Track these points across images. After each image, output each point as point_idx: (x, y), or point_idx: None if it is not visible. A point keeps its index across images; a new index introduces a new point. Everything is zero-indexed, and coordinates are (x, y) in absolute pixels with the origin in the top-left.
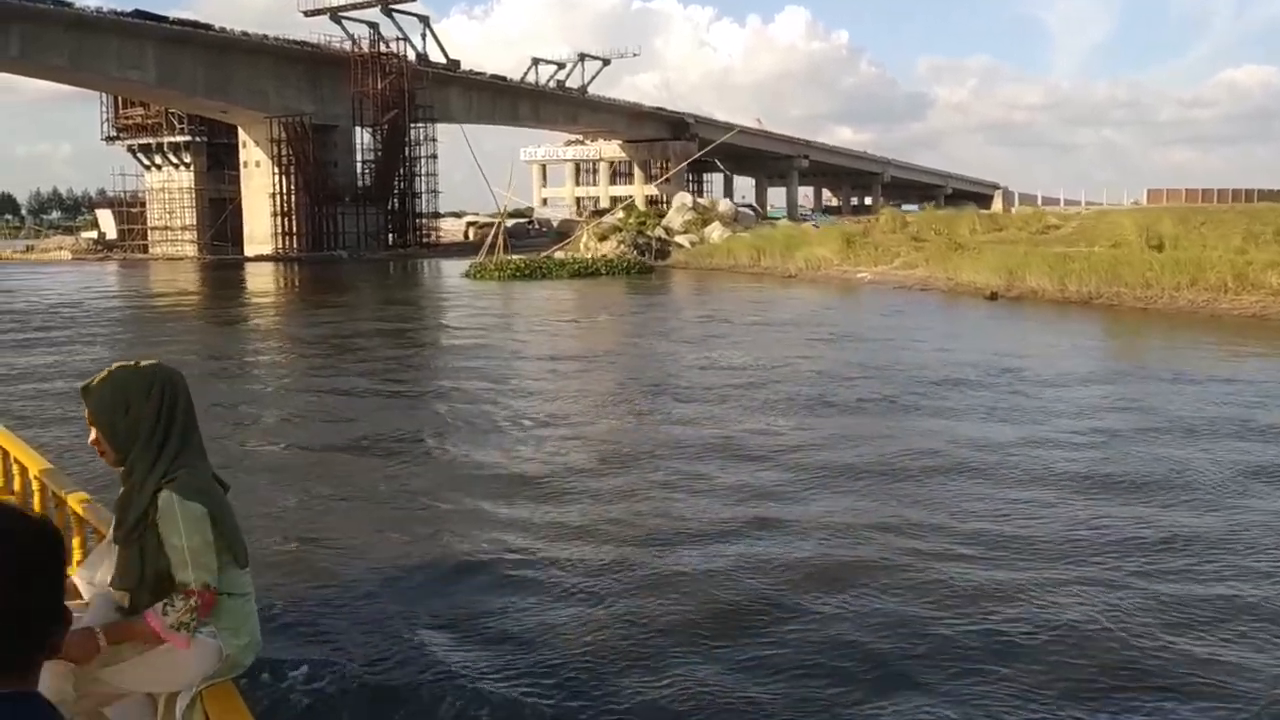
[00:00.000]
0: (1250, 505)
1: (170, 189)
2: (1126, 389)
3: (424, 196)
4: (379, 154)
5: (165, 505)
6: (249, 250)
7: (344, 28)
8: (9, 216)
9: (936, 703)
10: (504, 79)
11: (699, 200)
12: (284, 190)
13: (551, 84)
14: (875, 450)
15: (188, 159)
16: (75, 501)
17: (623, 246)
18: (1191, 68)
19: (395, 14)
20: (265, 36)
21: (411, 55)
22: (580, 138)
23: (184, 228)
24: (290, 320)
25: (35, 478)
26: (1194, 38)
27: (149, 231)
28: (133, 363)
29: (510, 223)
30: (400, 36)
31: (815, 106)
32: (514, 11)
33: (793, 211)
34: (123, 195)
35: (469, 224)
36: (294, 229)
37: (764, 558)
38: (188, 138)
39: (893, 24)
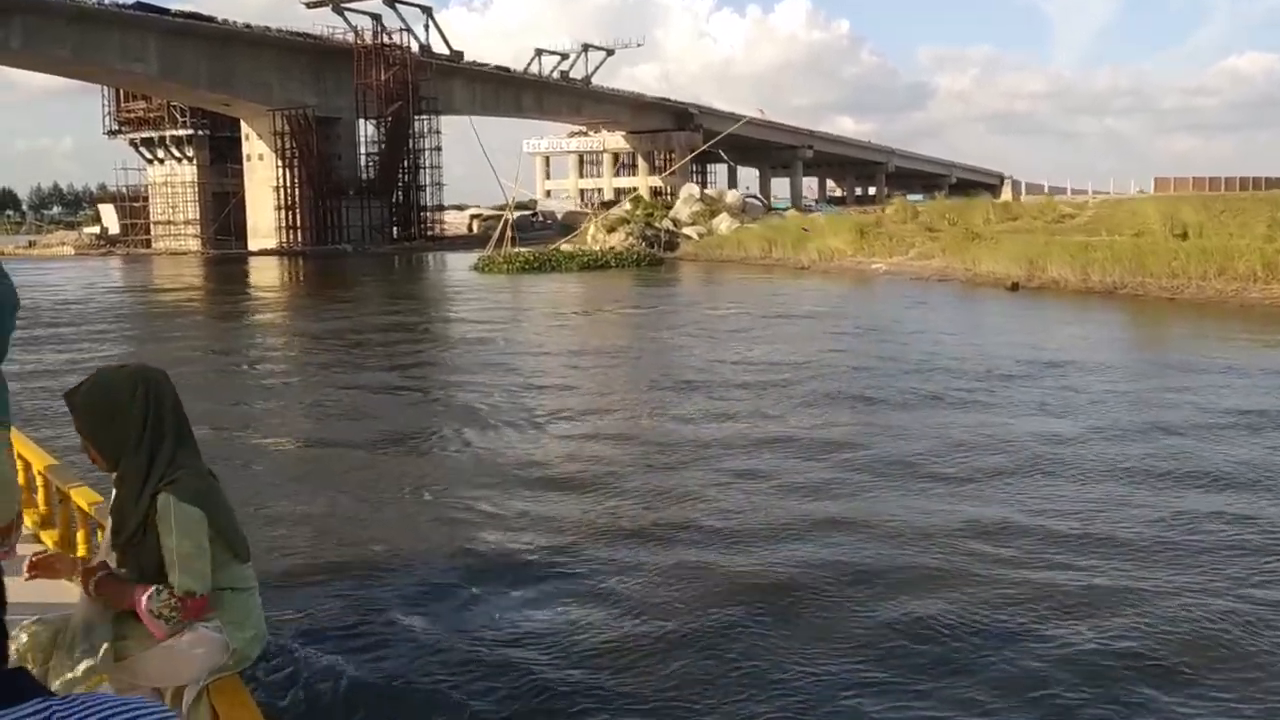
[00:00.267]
0: None
1: (173, 183)
2: (1177, 381)
3: (428, 189)
4: (383, 146)
5: (163, 507)
6: (253, 244)
7: (346, 19)
8: (10, 212)
9: None
10: (507, 70)
11: (706, 191)
12: (288, 183)
13: (555, 75)
14: (931, 446)
15: (190, 152)
16: (79, 496)
17: (631, 238)
18: (1193, 55)
19: (398, 5)
20: (268, 28)
21: (415, 46)
22: (584, 129)
23: (187, 222)
24: (301, 315)
25: (39, 473)
26: (1195, 25)
27: (152, 226)
28: (115, 367)
29: (514, 215)
30: (403, 28)
31: (816, 97)
32: (513, 3)
33: (797, 202)
34: (125, 190)
35: (473, 216)
36: (298, 222)
37: (835, 562)
38: (190, 131)
39: (894, 13)
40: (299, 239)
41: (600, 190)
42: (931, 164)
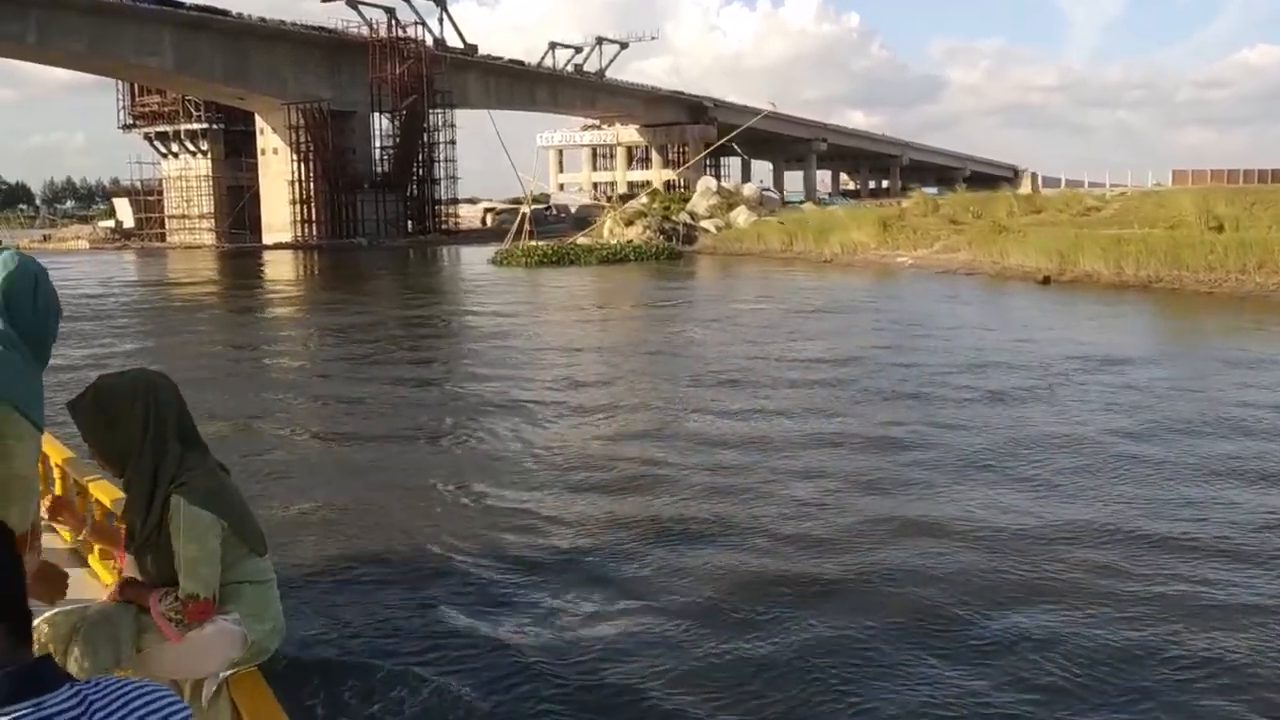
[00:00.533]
0: None
1: (187, 177)
2: (1241, 377)
3: (443, 183)
4: (397, 140)
5: (174, 510)
6: (267, 238)
7: (361, 13)
8: (23, 206)
9: None
10: (522, 63)
11: (723, 184)
12: (302, 177)
13: (569, 68)
14: (999, 445)
15: (205, 146)
16: (98, 490)
17: (648, 232)
18: (1205, 47)
19: None
20: (283, 22)
21: (429, 40)
22: (597, 122)
23: (201, 216)
24: (322, 310)
25: (57, 465)
26: (1207, 17)
27: (166, 220)
28: (115, 374)
29: (528, 209)
30: (417, 21)
31: (827, 90)
32: None
33: (811, 195)
34: (140, 184)
35: (486, 210)
36: (313, 216)
37: (921, 571)
38: (204, 125)
39: (905, 6)
40: (314, 233)
41: (614, 184)
42: (945, 157)
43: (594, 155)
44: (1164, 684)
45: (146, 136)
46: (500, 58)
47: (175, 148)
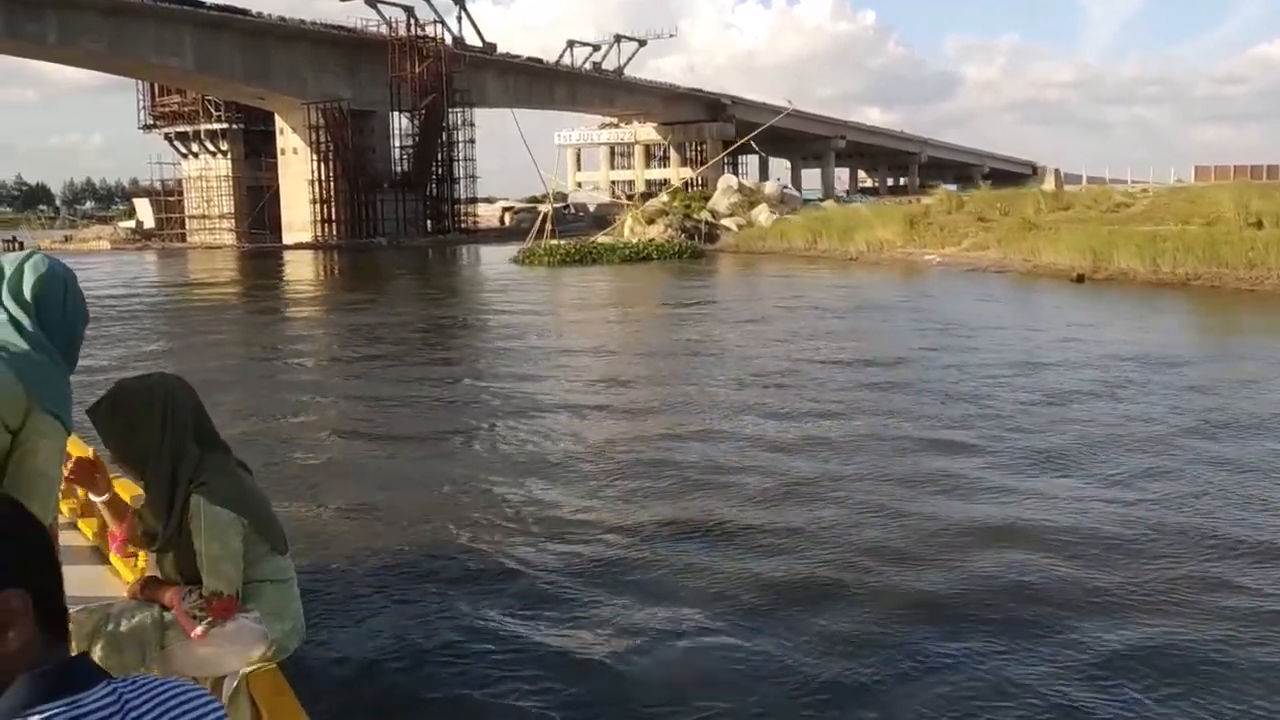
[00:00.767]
0: None
1: (208, 177)
2: None
3: (462, 182)
4: (417, 139)
5: (195, 510)
6: (287, 238)
7: (380, 12)
8: (43, 207)
9: None
10: (540, 61)
11: (744, 182)
12: (322, 177)
13: (587, 66)
14: (1076, 450)
15: (225, 146)
16: (119, 486)
17: (670, 230)
18: (1222, 43)
19: None
20: (303, 21)
21: (448, 39)
22: (615, 120)
23: (222, 216)
24: (346, 310)
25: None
26: (1225, 12)
27: (187, 220)
28: (133, 379)
29: (546, 208)
30: (436, 20)
31: (843, 87)
32: None
33: (829, 192)
34: (160, 184)
35: (504, 209)
36: (333, 216)
37: (1018, 580)
38: (224, 125)
39: (920, 3)
40: (334, 233)
41: (632, 182)
42: (964, 154)
43: (612, 154)
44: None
45: (167, 137)
46: (519, 56)
47: (195, 148)
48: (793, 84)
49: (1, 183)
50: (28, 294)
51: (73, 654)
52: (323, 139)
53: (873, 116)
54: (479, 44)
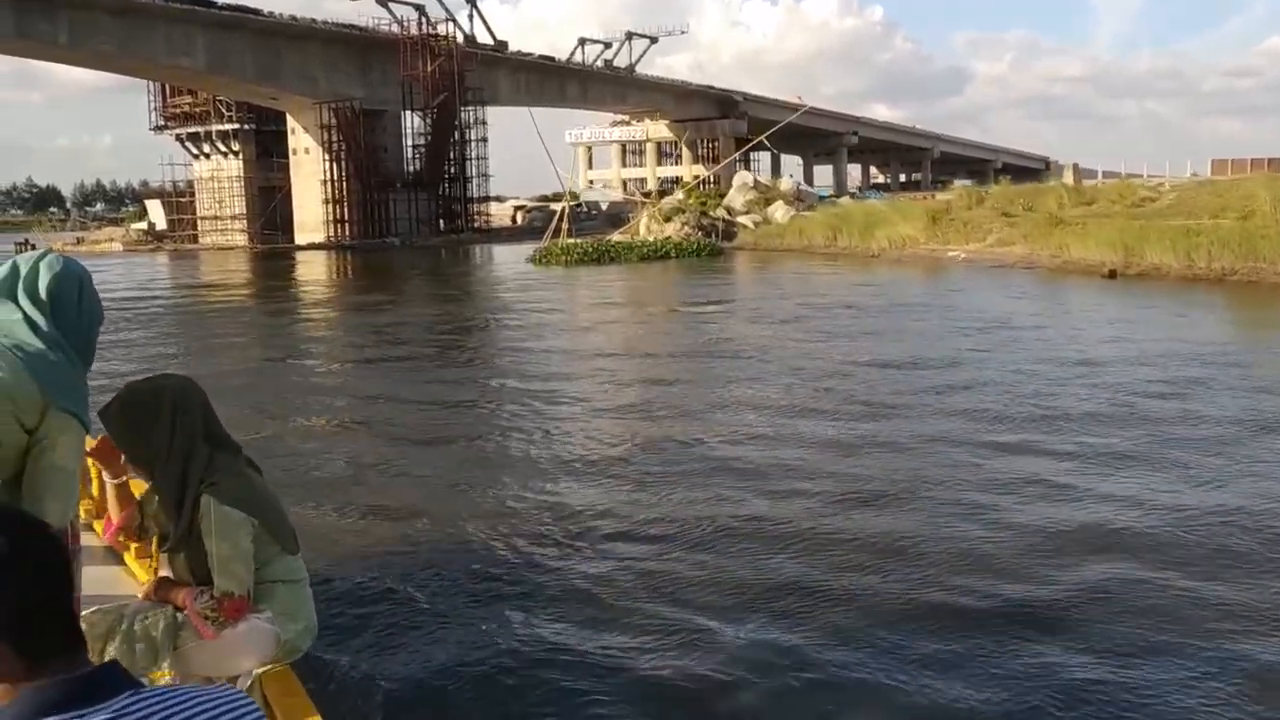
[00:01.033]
0: None
1: (219, 178)
2: None
3: (474, 181)
4: (429, 138)
5: (205, 510)
6: (300, 238)
7: (390, 10)
8: (53, 209)
9: None
10: (552, 59)
11: (759, 179)
12: (334, 177)
13: (599, 64)
14: (1164, 456)
15: (236, 147)
16: (134, 486)
17: (687, 228)
18: (1233, 36)
19: None
20: (314, 21)
21: (459, 37)
22: (626, 118)
23: (234, 217)
24: (364, 311)
25: (93, 463)
26: (1235, 5)
27: (198, 221)
28: (142, 380)
29: (558, 206)
30: (447, 18)
31: (850, 84)
32: None
33: (842, 189)
34: (172, 185)
35: (516, 208)
36: (345, 216)
37: (1132, 595)
38: (236, 126)
39: None
40: (346, 233)
41: (644, 180)
42: (977, 149)
43: (623, 151)
44: None
45: (178, 138)
46: (531, 54)
47: (207, 148)
48: (800, 81)
49: (12, 185)
50: (43, 293)
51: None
52: (335, 139)
53: (880, 113)
54: (490, 42)
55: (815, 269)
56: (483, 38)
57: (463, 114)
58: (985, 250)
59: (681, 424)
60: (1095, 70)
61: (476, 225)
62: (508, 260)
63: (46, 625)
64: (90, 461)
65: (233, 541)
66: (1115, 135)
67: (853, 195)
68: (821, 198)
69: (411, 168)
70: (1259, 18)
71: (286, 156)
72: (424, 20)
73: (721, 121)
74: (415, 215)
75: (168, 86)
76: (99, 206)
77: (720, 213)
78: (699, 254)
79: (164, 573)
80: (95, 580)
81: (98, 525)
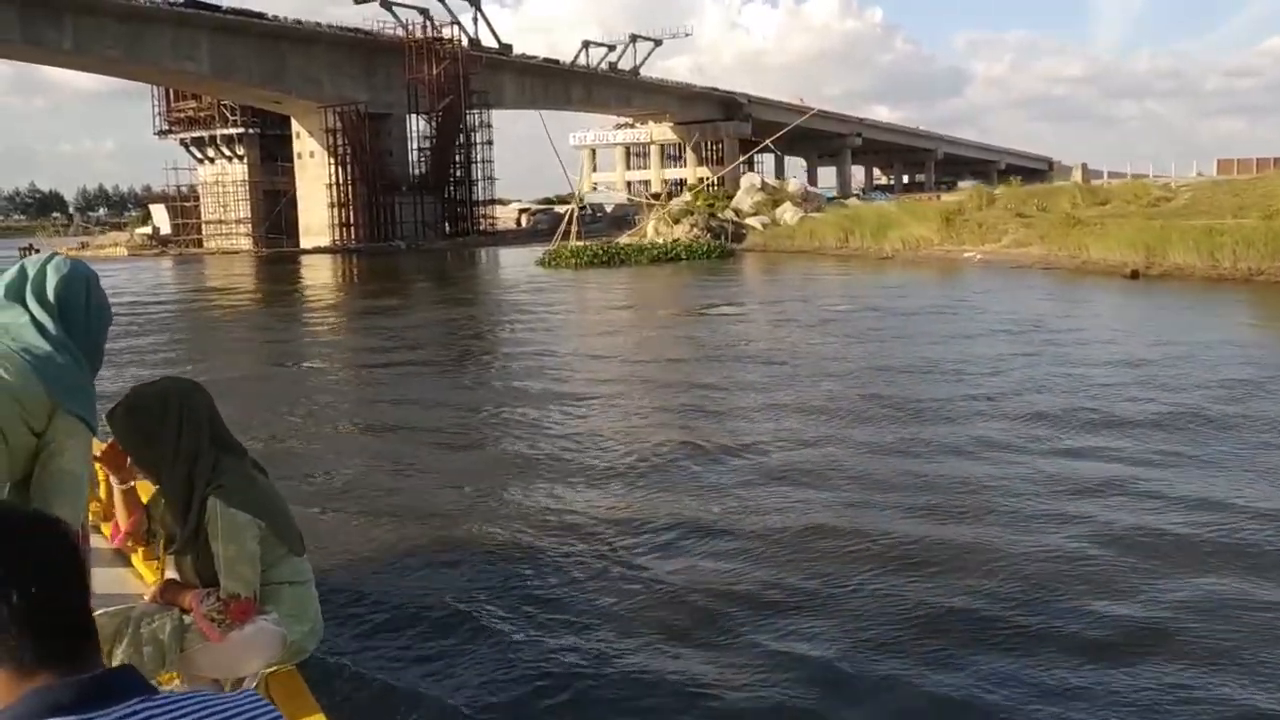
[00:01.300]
0: None
1: (224, 182)
2: None
3: (480, 183)
4: (434, 141)
5: (211, 512)
6: (305, 242)
7: (395, 14)
8: (56, 214)
9: None
10: (556, 62)
11: (767, 181)
12: (340, 180)
13: (603, 66)
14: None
15: (241, 151)
16: (142, 489)
17: (696, 230)
18: (1234, 35)
19: None
20: (319, 24)
21: (464, 40)
22: (630, 121)
23: (238, 221)
24: (375, 315)
25: (100, 466)
26: (1236, 5)
27: (203, 225)
28: (148, 384)
29: (563, 209)
30: (452, 21)
31: (851, 85)
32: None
33: (845, 190)
34: (176, 189)
35: (521, 211)
36: (351, 220)
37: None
38: (240, 130)
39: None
40: (352, 236)
41: (648, 182)
42: (980, 150)
43: (627, 154)
44: None
45: (182, 142)
46: (535, 57)
47: (211, 153)
48: (801, 82)
49: (15, 190)
50: (50, 296)
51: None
52: (340, 142)
53: (881, 114)
54: (495, 45)
55: (830, 271)
56: (487, 41)
57: (468, 117)
58: (1001, 251)
59: (724, 428)
60: (1096, 71)
61: (482, 228)
62: (516, 263)
63: (50, 625)
64: (97, 465)
65: (239, 543)
66: (1116, 135)
67: (857, 197)
68: (829, 199)
69: (417, 171)
70: (1259, 17)
71: (291, 160)
72: (428, 23)
73: (726, 123)
74: (421, 218)
75: (171, 91)
76: (101, 211)
77: (728, 214)
78: (709, 256)
79: (170, 575)
80: (102, 582)
81: (105, 528)
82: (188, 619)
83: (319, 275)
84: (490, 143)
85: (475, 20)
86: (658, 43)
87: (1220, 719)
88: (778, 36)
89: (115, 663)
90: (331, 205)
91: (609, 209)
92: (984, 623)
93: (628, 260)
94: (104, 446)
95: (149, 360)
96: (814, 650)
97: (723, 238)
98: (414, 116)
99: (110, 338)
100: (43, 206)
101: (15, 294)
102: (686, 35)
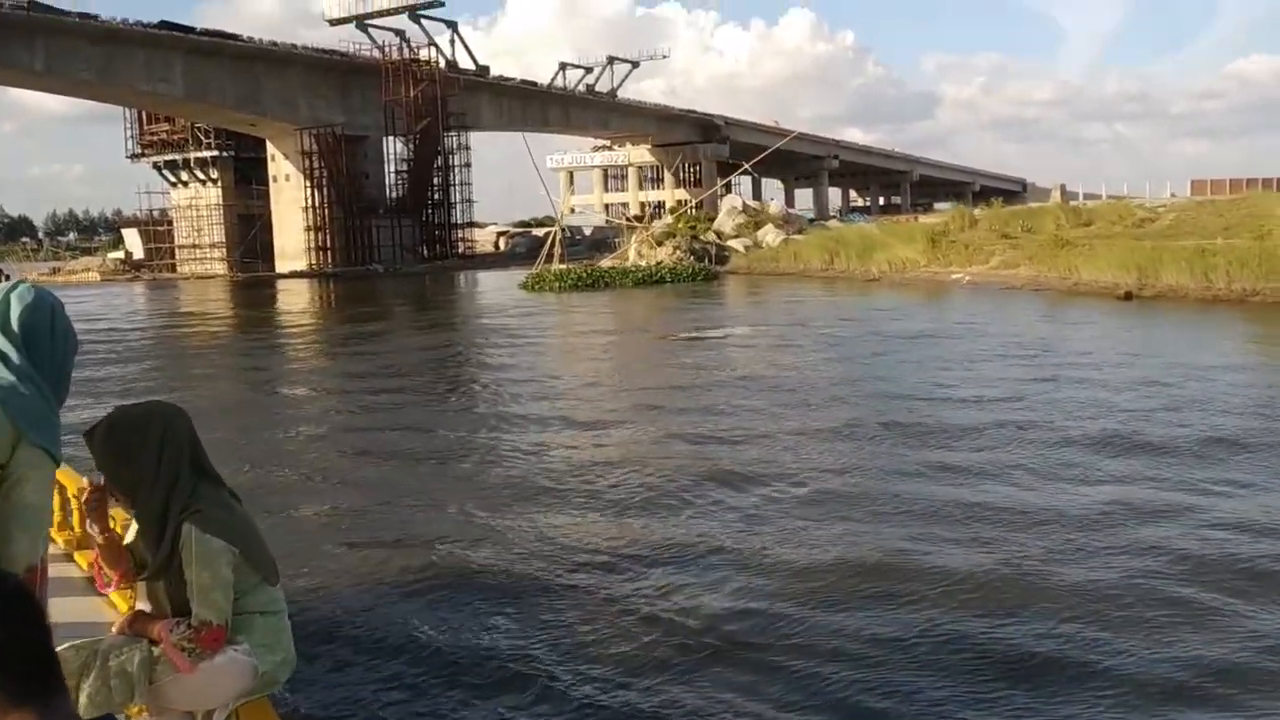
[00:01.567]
0: None
1: (198, 206)
2: None
3: (459, 206)
4: (412, 164)
5: (186, 538)
6: (281, 266)
7: (370, 36)
8: (25, 239)
9: None
10: (534, 84)
11: (748, 203)
12: (316, 204)
13: (581, 88)
14: None
15: (215, 174)
16: (114, 517)
17: (679, 252)
18: (1200, 59)
19: (423, 20)
20: (294, 46)
21: (441, 62)
22: (607, 143)
23: (213, 245)
24: (356, 341)
25: (73, 496)
26: (1201, 28)
27: (176, 250)
28: (130, 406)
29: (541, 232)
30: (429, 43)
31: (824, 108)
32: (518, 22)
33: (823, 213)
34: (149, 213)
35: (499, 233)
36: (327, 243)
37: None
38: (214, 153)
39: (898, 22)
40: (328, 260)
41: (626, 204)
42: (955, 172)
43: (605, 176)
44: None
45: (155, 165)
46: (513, 79)
47: (185, 176)
48: (774, 105)
49: None
50: (15, 325)
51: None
52: (316, 165)
53: (855, 136)
54: (472, 67)
55: (818, 293)
56: (464, 63)
57: (446, 139)
58: (990, 273)
59: (740, 457)
60: (1066, 94)
61: (460, 251)
62: (497, 286)
63: (13, 664)
64: (71, 495)
65: (213, 570)
66: (1085, 157)
67: (836, 218)
68: (811, 221)
69: (394, 193)
70: (1224, 38)
71: (266, 183)
72: (405, 45)
73: (704, 145)
74: (399, 241)
75: (144, 114)
76: (71, 236)
77: (711, 237)
78: (694, 279)
79: (141, 604)
80: (74, 612)
81: (79, 557)
82: (157, 650)
83: (296, 300)
84: (469, 165)
85: (452, 42)
86: (635, 64)
87: None
88: (750, 60)
89: (83, 697)
90: (307, 229)
91: (588, 232)
92: (1047, 663)
93: (612, 283)
94: (86, 493)
95: (125, 388)
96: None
97: (706, 260)
98: (391, 138)
99: (85, 365)
100: (11, 231)
101: None
102: (664, 57)
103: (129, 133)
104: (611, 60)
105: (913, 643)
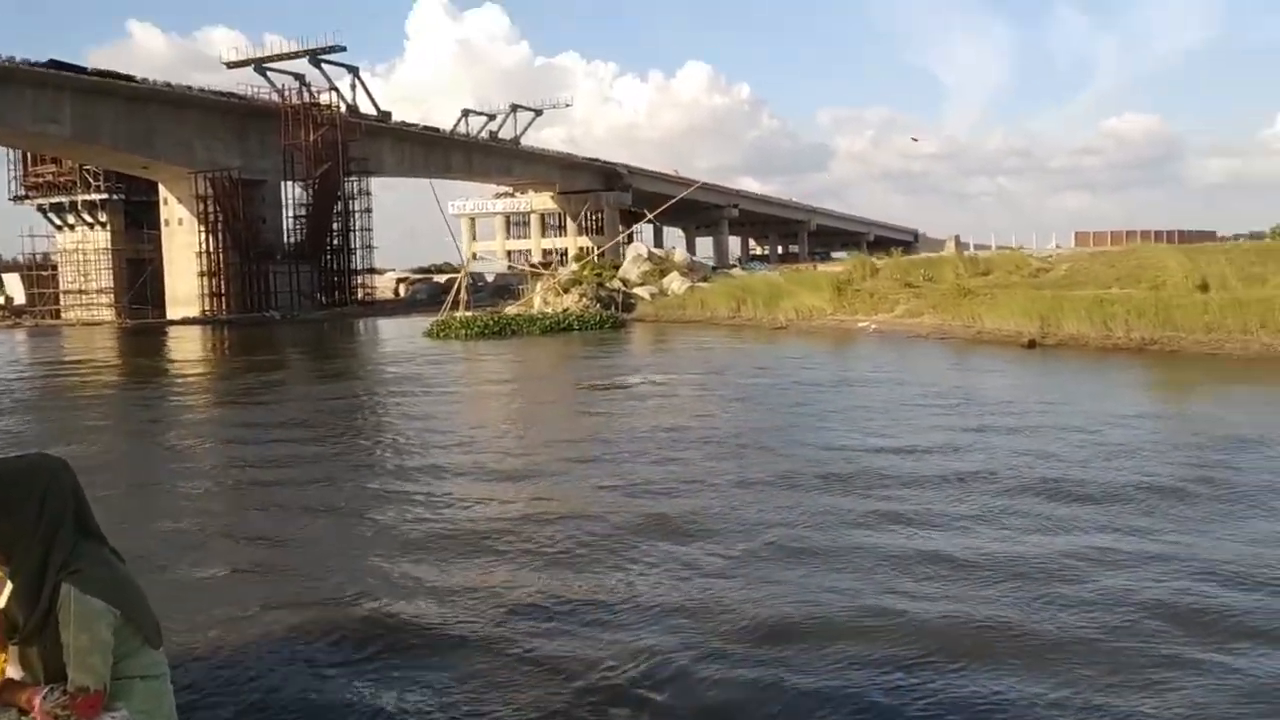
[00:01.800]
0: None
1: (85, 250)
2: None
3: (359, 252)
4: (310, 209)
5: (64, 598)
6: (172, 313)
7: (270, 79)
8: None
9: None
10: (437, 130)
11: (653, 250)
12: (211, 248)
13: (484, 135)
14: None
15: (104, 218)
16: None
17: (585, 300)
18: (1079, 115)
19: (323, 65)
20: (189, 88)
21: (342, 107)
22: (509, 189)
23: (100, 290)
24: (261, 392)
25: None
26: (1078, 88)
27: (61, 296)
28: (11, 458)
29: (443, 278)
30: (330, 87)
31: (721, 159)
32: (417, 69)
33: (723, 261)
34: (31, 257)
35: (399, 280)
36: (222, 289)
37: None
38: (104, 195)
39: (792, 76)
40: (223, 306)
41: (528, 251)
42: (850, 222)
43: (507, 223)
44: None
45: (40, 208)
46: (415, 125)
47: (72, 219)
48: (673, 156)
49: None
50: None
51: None
52: (211, 209)
53: (752, 187)
54: (374, 112)
55: (727, 340)
56: (365, 108)
57: (346, 184)
58: (895, 321)
59: (679, 506)
60: (951, 149)
61: (360, 298)
62: (400, 334)
63: None
64: None
65: (92, 633)
66: (969, 209)
67: (737, 266)
68: (714, 269)
69: (292, 239)
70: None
71: (158, 227)
72: (306, 90)
73: (607, 193)
74: (296, 287)
75: (29, 154)
76: None
77: (616, 284)
78: (601, 326)
79: (11, 671)
80: None
81: None
82: None
83: (190, 347)
84: (369, 210)
85: (353, 86)
86: (538, 113)
87: None
88: (649, 111)
89: None
90: (201, 274)
91: (491, 278)
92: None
93: (519, 331)
94: None
95: (7, 440)
96: None
97: (613, 307)
98: (290, 183)
99: None
100: None
101: None
102: (567, 105)
103: (12, 174)
104: (515, 108)
105: (898, 700)
